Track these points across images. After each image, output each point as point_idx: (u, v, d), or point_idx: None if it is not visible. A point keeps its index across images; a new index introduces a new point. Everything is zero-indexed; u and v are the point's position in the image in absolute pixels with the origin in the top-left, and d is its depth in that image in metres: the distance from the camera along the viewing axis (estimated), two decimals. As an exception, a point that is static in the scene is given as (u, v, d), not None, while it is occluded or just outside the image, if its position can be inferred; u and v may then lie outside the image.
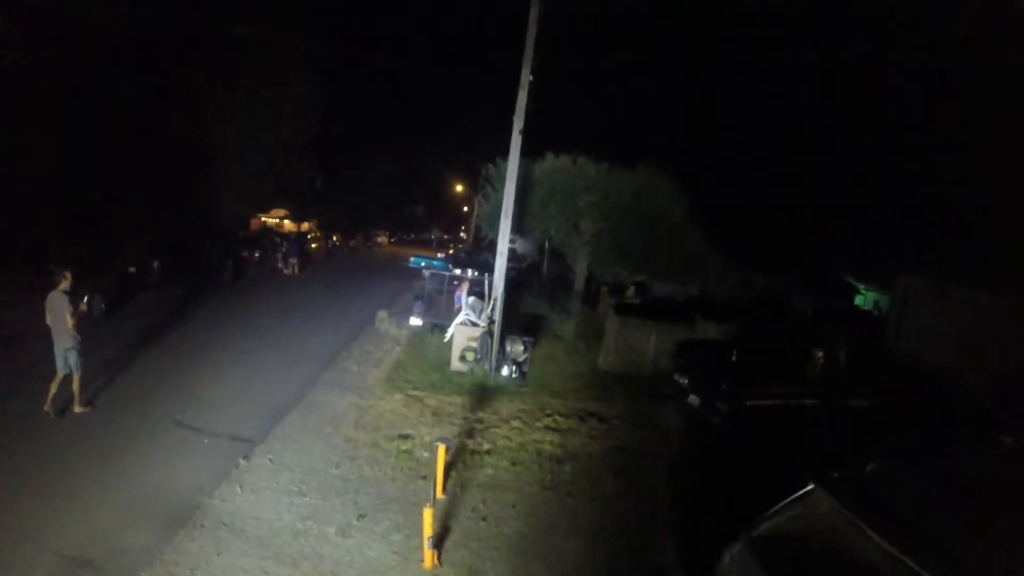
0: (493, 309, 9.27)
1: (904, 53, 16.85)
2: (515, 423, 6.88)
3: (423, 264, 21.93)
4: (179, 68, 17.36)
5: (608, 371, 10.00)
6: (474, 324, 9.49)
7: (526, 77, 8.67)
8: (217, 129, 19.81)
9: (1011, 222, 13.19)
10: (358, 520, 4.53)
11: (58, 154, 13.20)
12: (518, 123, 8.75)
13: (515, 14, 8.92)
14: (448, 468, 5.25)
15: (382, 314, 11.71)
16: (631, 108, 25.84)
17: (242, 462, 5.26)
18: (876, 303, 19.41)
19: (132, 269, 12.22)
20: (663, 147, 18.05)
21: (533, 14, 8.52)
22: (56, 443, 5.36)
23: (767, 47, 22.68)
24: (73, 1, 12.72)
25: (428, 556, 4.02)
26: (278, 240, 24.12)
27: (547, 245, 17.63)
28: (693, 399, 8.08)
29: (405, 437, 6.17)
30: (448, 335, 9.80)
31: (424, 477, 5.29)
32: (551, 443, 6.41)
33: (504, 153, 9.64)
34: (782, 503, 2.94)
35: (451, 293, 12.19)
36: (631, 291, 15.22)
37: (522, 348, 9.08)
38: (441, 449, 4.85)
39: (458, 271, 13.40)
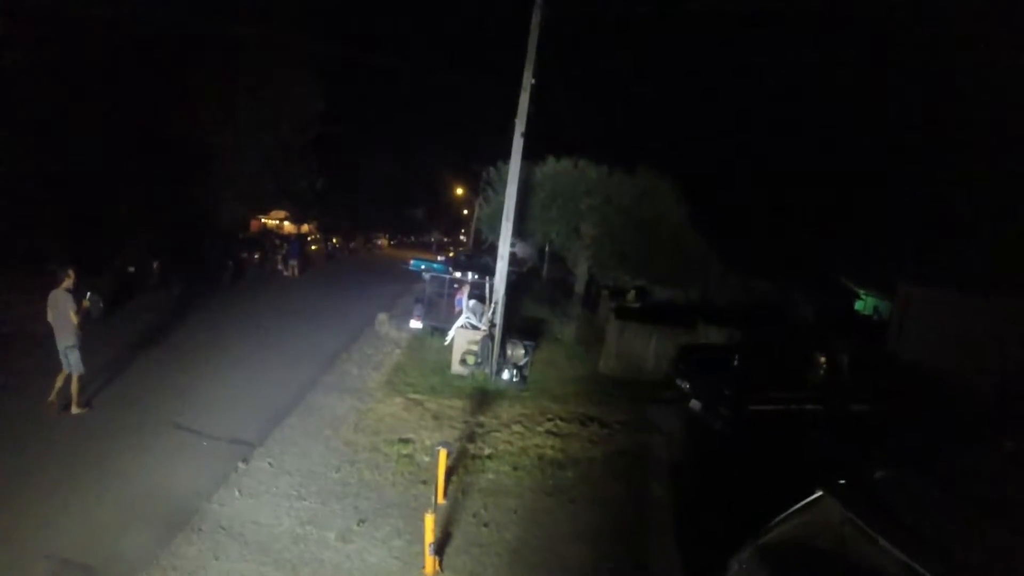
0: (494, 312, 9.23)
1: (904, 53, 16.90)
2: (516, 427, 6.84)
3: (423, 267, 21.87)
4: (179, 68, 17.32)
5: (609, 375, 9.96)
6: (475, 327, 9.46)
7: (528, 80, 8.67)
8: (217, 129, 19.77)
9: (1011, 223, 13.22)
10: (358, 525, 4.49)
11: (58, 154, 13.15)
12: (520, 125, 8.75)
13: (516, 15, 8.95)
14: (449, 473, 5.20)
15: (382, 317, 11.67)
16: (632, 111, 25.96)
17: (241, 465, 5.22)
18: (876, 308, 19.42)
19: (132, 269, 12.21)
20: (664, 150, 18.14)
21: (535, 18, 8.54)
22: (54, 444, 5.31)
23: (767, 48, 22.77)
24: (73, 1, 12.69)
25: (429, 562, 3.98)
26: (278, 242, 24.07)
27: (547, 248, 17.63)
28: (694, 404, 8.05)
29: (405, 441, 6.13)
30: (448, 338, 9.77)
31: (425, 482, 5.25)
32: (552, 448, 6.38)
33: (505, 156, 9.63)
34: (790, 510, 2.92)
35: (451, 296, 12.15)
36: (632, 295, 15.20)
37: (523, 352, 9.02)
38: (442, 454, 4.81)
39: (458, 274, 13.33)
